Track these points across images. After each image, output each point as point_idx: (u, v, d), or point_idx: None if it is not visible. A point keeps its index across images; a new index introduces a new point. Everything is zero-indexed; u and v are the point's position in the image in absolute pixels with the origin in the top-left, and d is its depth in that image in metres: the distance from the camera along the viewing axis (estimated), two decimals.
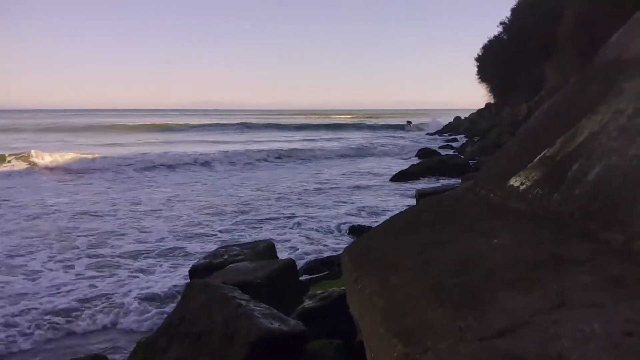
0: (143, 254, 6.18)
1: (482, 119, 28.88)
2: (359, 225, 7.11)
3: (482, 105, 31.52)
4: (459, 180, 10.09)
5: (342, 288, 3.13)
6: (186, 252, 6.21)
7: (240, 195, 10.35)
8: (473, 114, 33.48)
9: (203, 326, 2.68)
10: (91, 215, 8.34)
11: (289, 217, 8.05)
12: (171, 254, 6.15)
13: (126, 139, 27.34)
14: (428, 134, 34.30)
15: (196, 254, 5.99)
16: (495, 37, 26.51)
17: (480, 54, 27.87)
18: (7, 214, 8.43)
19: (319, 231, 7.15)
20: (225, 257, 4.59)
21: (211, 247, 6.00)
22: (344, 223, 7.46)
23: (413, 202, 8.64)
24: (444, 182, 11.27)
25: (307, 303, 3.42)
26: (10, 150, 17.12)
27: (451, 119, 37.52)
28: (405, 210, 2.56)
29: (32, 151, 15.88)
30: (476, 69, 28.65)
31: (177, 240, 6.75)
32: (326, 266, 4.98)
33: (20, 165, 14.86)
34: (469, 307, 1.12)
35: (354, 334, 2.70)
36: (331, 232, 7.07)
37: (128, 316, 4.30)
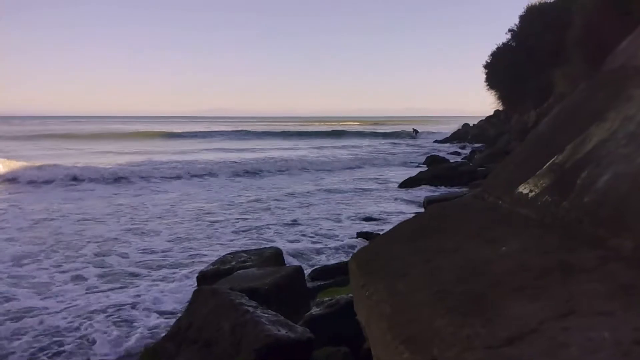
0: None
1: (491, 126, 28.76)
2: (366, 232, 7.09)
3: (491, 113, 31.40)
4: (467, 188, 10.05)
5: (350, 295, 3.12)
6: (192, 260, 6.21)
7: (243, 203, 10.34)
8: (481, 121, 33.36)
9: (210, 332, 2.69)
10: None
11: (295, 224, 8.05)
12: (177, 263, 6.15)
13: (118, 147, 26.87)
14: (436, 141, 34.22)
15: (201, 262, 5.98)
16: (503, 44, 26.45)
17: (489, 61, 27.81)
18: None
19: (326, 238, 7.14)
20: (233, 263, 4.60)
21: (218, 253, 6.02)
22: (351, 230, 7.45)
23: (421, 209, 8.61)
24: (452, 189, 11.23)
25: (315, 310, 3.42)
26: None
27: (459, 127, 37.42)
28: (413, 217, 2.55)
29: None
30: (485, 76, 28.58)
31: (180, 248, 6.76)
32: (334, 273, 4.96)
33: None
34: (476, 314, 1.12)
35: (361, 341, 2.69)
36: (338, 239, 7.06)
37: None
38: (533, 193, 1.76)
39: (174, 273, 5.71)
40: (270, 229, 7.84)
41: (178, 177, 14.42)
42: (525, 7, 24.24)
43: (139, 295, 4.92)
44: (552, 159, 1.83)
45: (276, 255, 4.91)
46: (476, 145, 24.94)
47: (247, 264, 4.54)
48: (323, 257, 6.22)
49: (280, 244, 6.61)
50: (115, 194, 11.57)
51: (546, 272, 1.23)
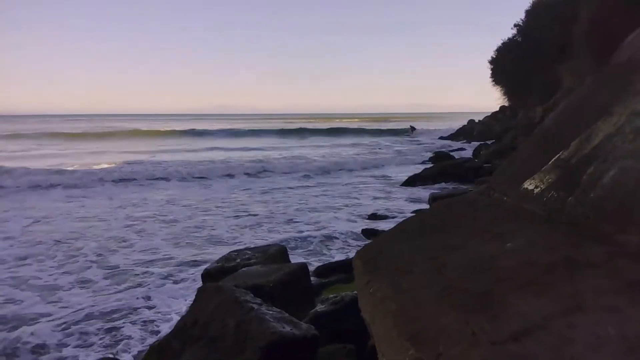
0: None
1: (497, 122, 28.61)
2: (370, 229, 7.08)
3: (497, 108, 31.23)
4: (473, 184, 10.01)
5: (355, 292, 3.12)
6: (196, 258, 6.23)
7: (244, 201, 10.33)
8: (487, 116, 33.19)
9: (215, 330, 2.69)
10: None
11: (300, 222, 8.05)
12: (180, 262, 6.17)
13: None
14: (441, 137, 34.10)
15: (206, 261, 6.00)
16: (509, 39, 26.27)
17: (495, 56, 27.63)
18: None
19: (330, 235, 7.14)
20: (238, 260, 4.60)
21: (223, 251, 6.03)
22: (356, 227, 7.44)
23: (426, 206, 8.59)
24: (458, 186, 11.19)
25: (319, 307, 3.42)
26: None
27: (465, 122, 37.25)
28: (418, 214, 2.55)
29: None
30: (490, 72, 28.41)
31: (184, 247, 6.78)
32: (338, 270, 4.96)
33: None
34: (481, 311, 1.11)
35: (366, 338, 2.69)
36: (343, 237, 7.06)
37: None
38: (539, 189, 1.75)
39: (179, 272, 5.73)
40: (274, 226, 7.85)
41: (183, 179, 14.15)
42: (532, 2, 24.08)
43: (148, 297, 4.96)
44: (558, 155, 1.82)
45: (281, 253, 4.91)
46: (482, 141, 24.84)
47: (252, 261, 4.54)
48: (328, 254, 6.22)
49: (285, 241, 6.62)
50: (110, 199, 11.24)
51: (552, 268, 1.22)
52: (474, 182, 10.69)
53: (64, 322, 4.37)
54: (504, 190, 1.98)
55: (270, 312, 2.71)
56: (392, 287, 1.42)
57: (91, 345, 3.98)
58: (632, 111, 1.66)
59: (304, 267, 4.22)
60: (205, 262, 5.91)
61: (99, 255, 6.42)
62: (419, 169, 14.33)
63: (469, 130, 32.75)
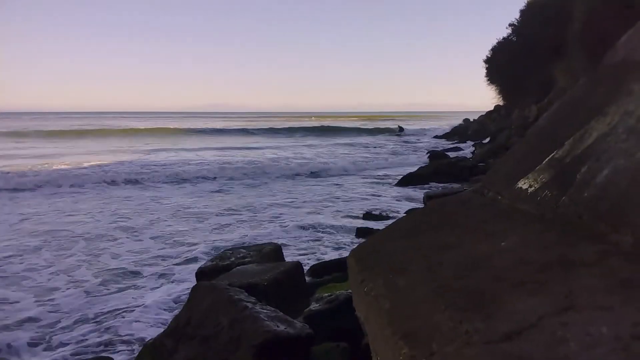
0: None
1: (492, 121, 28.71)
2: (365, 228, 7.09)
3: (492, 108, 31.35)
4: (468, 183, 10.04)
5: (349, 291, 3.12)
6: (190, 256, 6.21)
7: (240, 201, 10.28)
8: (482, 116, 33.30)
9: (209, 328, 2.69)
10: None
11: (294, 221, 8.05)
12: (175, 260, 6.14)
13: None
14: (436, 136, 34.17)
15: (200, 259, 5.98)
16: (504, 38, 26.37)
17: (489, 55, 27.72)
18: None
19: (325, 234, 7.14)
20: (232, 259, 4.59)
21: (216, 250, 6.01)
22: (351, 226, 7.44)
23: (420, 205, 8.61)
24: (452, 184, 11.21)
25: (314, 306, 3.42)
26: None
27: (460, 122, 37.35)
28: (412, 212, 2.55)
29: None
30: (485, 71, 28.50)
31: (174, 246, 6.75)
32: (333, 269, 4.96)
33: None
34: (475, 310, 1.11)
35: (360, 337, 2.69)
36: (337, 235, 7.06)
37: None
38: (533, 188, 1.75)
39: (173, 270, 5.71)
40: (269, 225, 7.84)
41: (184, 180, 13.60)
42: (526, 1, 24.18)
43: (142, 296, 4.92)
44: (552, 154, 1.82)
45: (275, 251, 4.90)
46: (476, 140, 24.93)
47: (246, 259, 4.54)
48: (322, 253, 6.22)
49: (280, 239, 6.61)
50: (99, 194, 11.07)
51: (546, 267, 1.22)
52: (468, 180, 10.72)
53: (56, 322, 4.35)
54: (498, 190, 1.99)
55: (265, 311, 2.70)
56: (386, 286, 1.42)
57: (84, 344, 3.96)
58: (625, 111, 1.66)
59: (298, 265, 4.22)
60: (198, 260, 5.91)
61: (90, 254, 6.38)
62: (413, 168, 14.35)
63: (464, 130, 32.87)
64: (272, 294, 3.52)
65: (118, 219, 8.40)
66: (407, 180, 12.21)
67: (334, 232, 7.23)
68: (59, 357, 3.76)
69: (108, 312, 4.55)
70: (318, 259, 5.79)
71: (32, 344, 3.95)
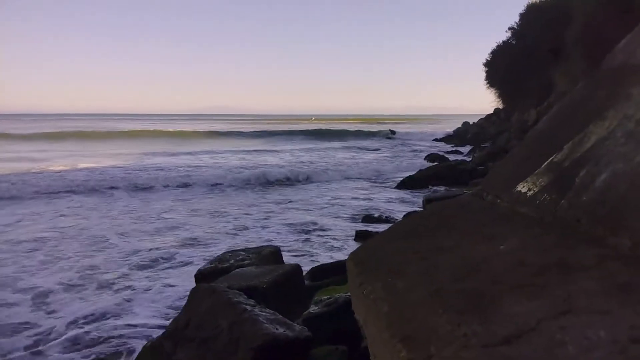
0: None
1: (491, 125, 28.77)
2: (364, 231, 7.09)
3: (491, 111, 31.41)
4: (467, 187, 10.05)
5: (348, 294, 3.12)
6: (188, 259, 6.20)
7: (240, 204, 10.27)
8: (481, 119, 33.36)
9: (208, 331, 2.69)
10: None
11: (293, 224, 8.05)
12: (176, 262, 6.14)
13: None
14: (435, 139, 34.21)
15: (197, 261, 5.96)
16: (503, 42, 26.46)
17: (489, 59, 27.80)
18: None
19: (324, 237, 7.14)
20: (231, 261, 4.59)
21: (216, 252, 6.01)
22: (350, 229, 7.45)
23: (419, 208, 8.61)
24: (451, 188, 11.22)
25: (313, 308, 3.41)
26: None
27: (460, 125, 37.41)
28: (411, 215, 2.55)
29: None
30: (485, 75, 28.58)
31: (177, 248, 6.75)
32: (332, 272, 4.96)
33: None
34: (473, 313, 1.12)
35: (359, 340, 2.69)
36: (336, 238, 7.06)
37: None
38: (532, 192, 1.76)
39: (171, 273, 5.71)
40: (268, 228, 7.84)
41: (180, 184, 13.16)
42: (526, 5, 24.26)
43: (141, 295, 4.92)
44: (551, 158, 1.82)
45: (274, 254, 4.90)
46: (475, 145, 24.97)
47: (245, 262, 4.53)
48: (321, 255, 6.22)
49: (279, 242, 6.61)
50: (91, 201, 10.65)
51: (544, 270, 1.23)
52: (468, 184, 10.73)
53: (53, 326, 4.34)
54: (497, 193, 1.99)
55: (264, 314, 2.70)
56: (384, 289, 1.42)
57: (80, 347, 3.94)
58: (624, 115, 1.67)
59: (297, 268, 4.22)
60: (196, 262, 5.90)
61: (85, 257, 6.36)
62: (412, 171, 14.36)
63: (464, 133, 32.92)
64: (271, 296, 3.52)
65: (113, 222, 8.40)
66: (406, 184, 12.22)
67: (333, 235, 7.23)
68: None
69: (105, 314, 4.54)
70: (317, 262, 5.79)
71: (28, 347, 3.93)
